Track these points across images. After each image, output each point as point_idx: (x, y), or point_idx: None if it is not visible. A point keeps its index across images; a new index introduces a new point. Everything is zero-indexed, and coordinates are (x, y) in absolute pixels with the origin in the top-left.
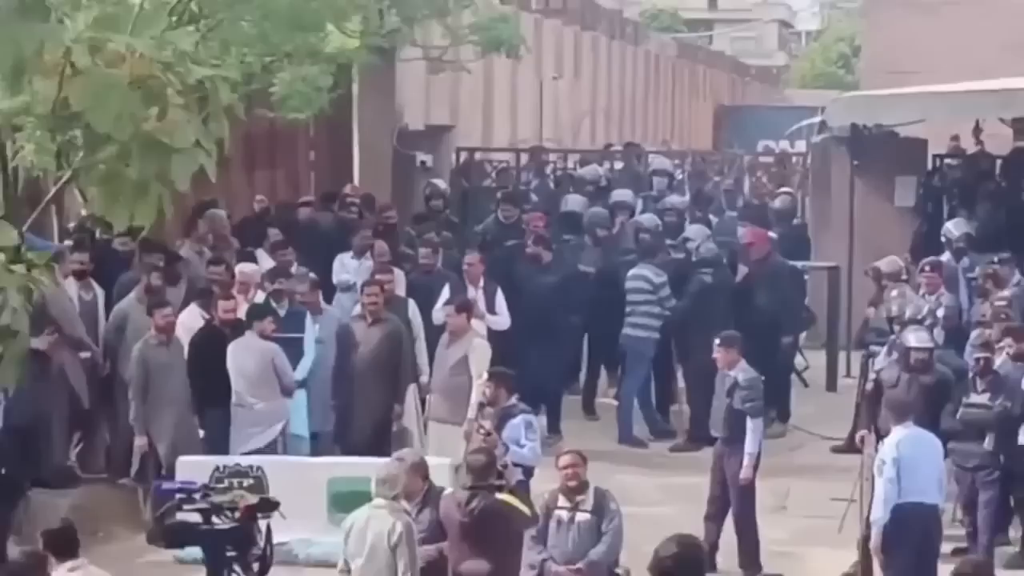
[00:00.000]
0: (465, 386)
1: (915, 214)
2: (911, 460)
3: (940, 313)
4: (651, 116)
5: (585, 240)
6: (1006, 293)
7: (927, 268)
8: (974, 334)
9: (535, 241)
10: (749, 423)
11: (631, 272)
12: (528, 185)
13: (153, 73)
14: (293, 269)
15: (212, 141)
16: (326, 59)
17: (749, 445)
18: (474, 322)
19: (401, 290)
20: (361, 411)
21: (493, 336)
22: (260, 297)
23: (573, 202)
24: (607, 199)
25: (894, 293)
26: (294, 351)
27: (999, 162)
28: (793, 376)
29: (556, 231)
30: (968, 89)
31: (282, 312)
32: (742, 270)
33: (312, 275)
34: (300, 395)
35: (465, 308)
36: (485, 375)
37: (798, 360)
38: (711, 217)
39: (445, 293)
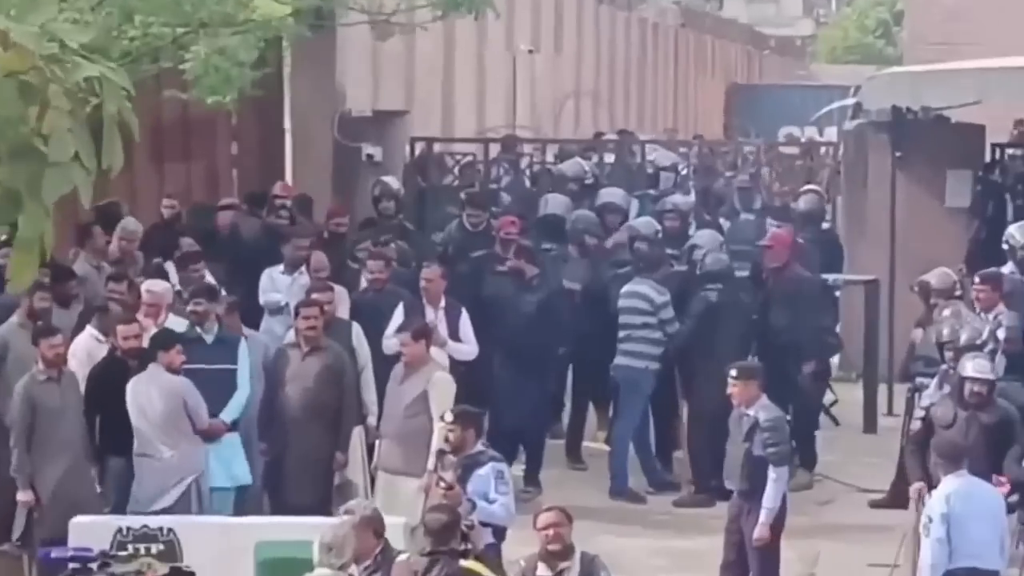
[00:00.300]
0: (423, 429)
1: (971, 216)
2: (964, 516)
3: (1000, 335)
4: (649, 98)
5: (569, 250)
6: None
7: (980, 281)
8: None
9: (516, 252)
10: (771, 472)
11: (625, 289)
12: (499, 183)
13: (35, 64)
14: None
15: (93, 157)
16: (249, 29)
17: (769, 499)
18: (434, 351)
19: (344, 312)
20: (295, 460)
21: (457, 367)
22: (175, 321)
23: (554, 203)
24: (595, 200)
25: (946, 312)
26: (226, 387)
27: None
28: (822, 414)
29: (534, 239)
30: None
31: (209, 339)
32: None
33: (226, 295)
34: (224, 441)
35: (423, 334)
36: (447, 415)
37: (827, 395)
38: (722, 221)
39: (398, 316)
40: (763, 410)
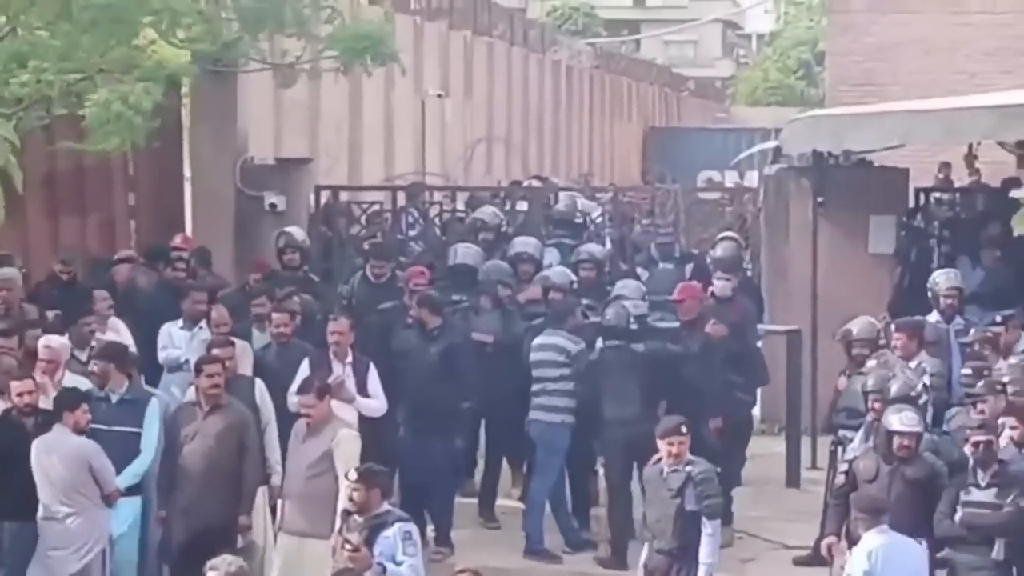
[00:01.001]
0: (328, 489)
1: (895, 263)
2: (886, 574)
3: (926, 382)
4: (563, 143)
5: (481, 302)
6: (1012, 361)
7: (897, 329)
8: (958, 412)
9: (418, 302)
10: (707, 527)
11: (537, 341)
12: (408, 232)
13: None
14: (93, 342)
15: None
16: (149, 75)
17: (707, 554)
18: (341, 407)
19: (247, 367)
20: (196, 523)
21: (365, 424)
22: (71, 379)
23: (465, 253)
24: (508, 249)
25: (873, 362)
26: (129, 450)
27: (984, 197)
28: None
29: (444, 290)
30: (959, 106)
31: (115, 398)
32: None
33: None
34: (132, 505)
35: (326, 392)
36: (352, 474)
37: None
38: (639, 270)
39: (303, 371)
40: (694, 464)
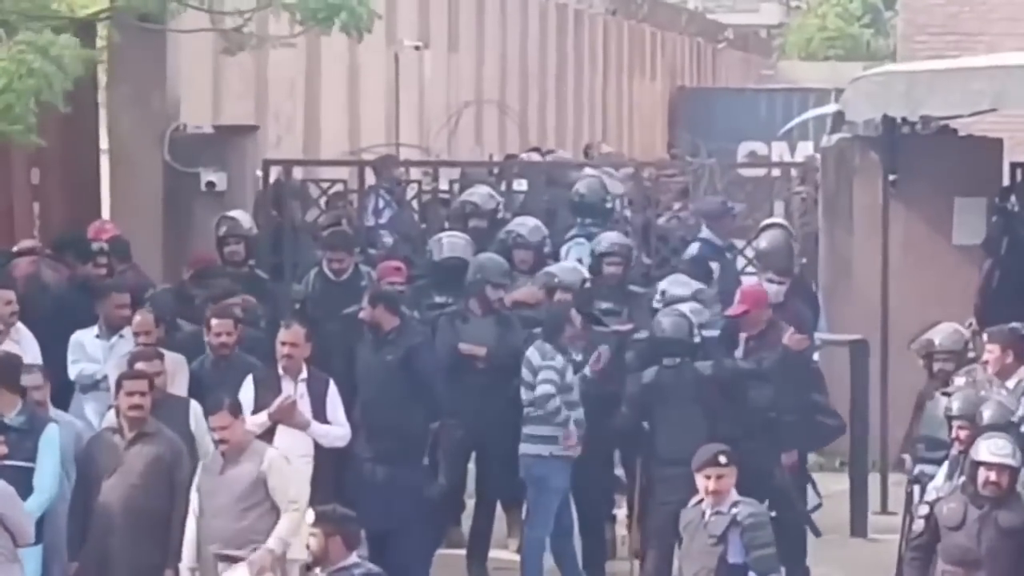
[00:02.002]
0: (269, 528)
1: (985, 255)
2: None
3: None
4: (571, 107)
5: (471, 305)
6: None
7: (990, 340)
8: None
9: (372, 299)
10: None
11: (527, 356)
12: (378, 217)
13: None
14: None
15: None
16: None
17: None
18: (291, 435)
19: (181, 386)
20: (116, 573)
21: (323, 455)
22: None
23: (453, 245)
24: (505, 239)
25: (960, 380)
26: (23, 488)
27: None
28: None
29: (424, 290)
30: None
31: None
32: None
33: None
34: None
35: (238, 410)
36: (310, 515)
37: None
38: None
39: (247, 390)
40: (742, 505)
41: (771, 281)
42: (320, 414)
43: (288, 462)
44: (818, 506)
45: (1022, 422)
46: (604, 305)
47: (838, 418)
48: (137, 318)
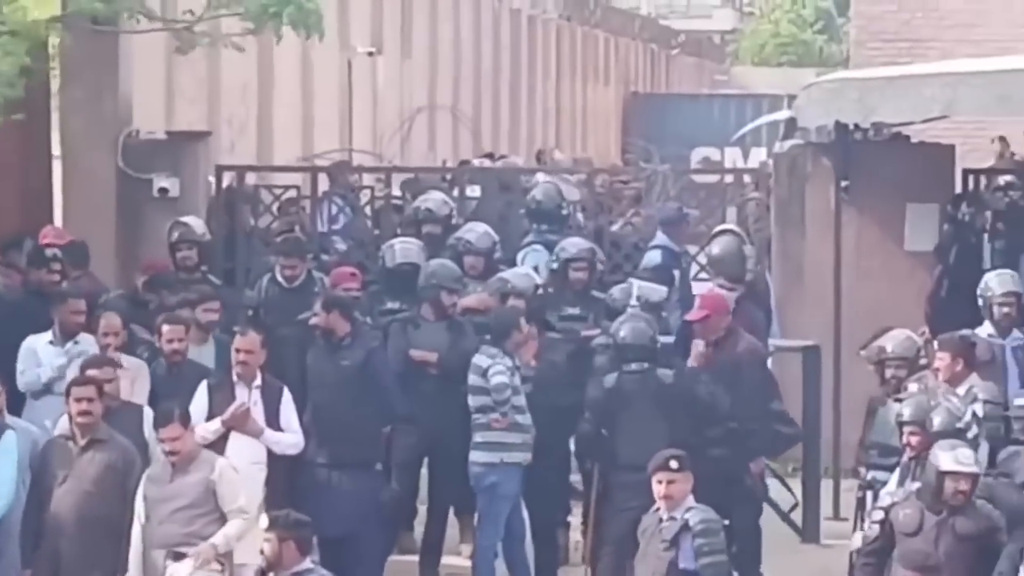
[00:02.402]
0: (210, 533)
1: (937, 263)
2: None
3: (978, 411)
4: (524, 112)
5: (423, 311)
6: None
7: (940, 348)
8: (1003, 456)
9: (326, 304)
10: None
11: (473, 361)
12: (332, 223)
13: None
14: None
15: None
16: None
17: None
18: (244, 442)
19: (142, 393)
20: None
21: (276, 461)
22: None
23: (406, 251)
24: (455, 245)
25: (912, 387)
26: None
27: None
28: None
29: (376, 296)
30: (1017, 67)
31: None
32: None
33: None
34: None
35: (188, 420)
36: (264, 520)
37: (783, 495)
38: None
39: (200, 398)
40: (694, 511)
41: (723, 287)
42: (274, 421)
43: (237, 471)
44: (795, 505)
45: (968, 428)
46: (570, 311)
47: (795, 426)
48: (103, 320)
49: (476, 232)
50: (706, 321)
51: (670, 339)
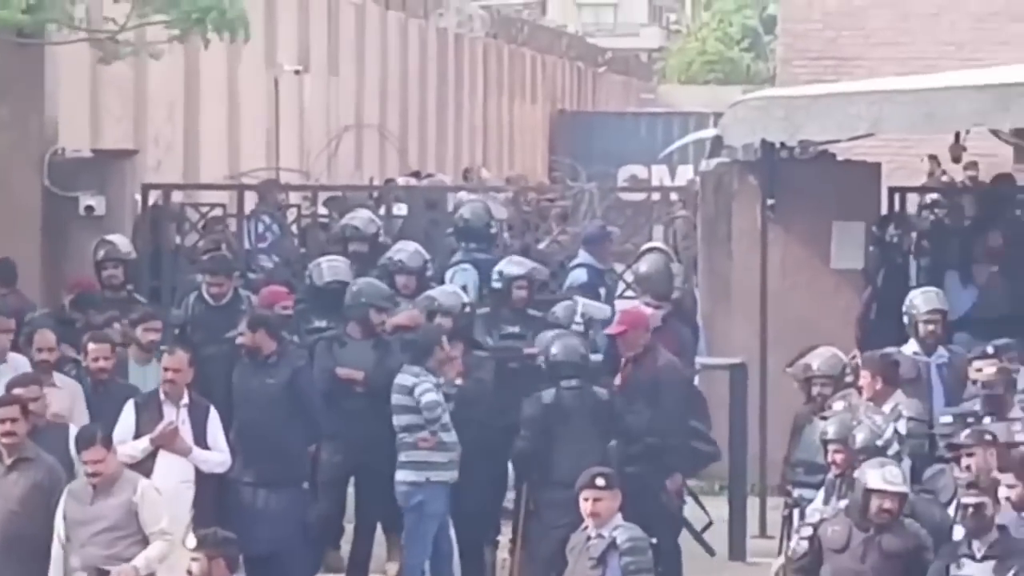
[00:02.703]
0: (132, 555)
1: (864, 281)
2: None
3: (901, 429)
4: (451, 131)
5: (349, 329)
6: (1016, 412)
7: (864, 367)
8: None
9: (252, 323)
10: None
11: (397, 380)
12: (259, 242)
13: None
14: None
15: None
16: None
17: None
18: (172, 460)
19: (80, 414)
20: None
21: (204, 480)
22: None
23: (335, 269)
24: (387, 264)
25: (837, 405)
26: None
27: (975, 198)
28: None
29: (303, 314)
30: (943, 85)
31: None
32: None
33: None
34: None
35: (110, 442)
36: (191, 540)
37: (697, 513)
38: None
39: (127, 417)
40: (622, 529)
41: (649, 305)
42: (201, 440)
43: (159, 493)
44: (709, 524)
45: (888, 446)
46: (511, 329)
47: (712, 444)
48: (37, 336)
49: (408, 251)
50: (624, 336)
51: (598, 357)
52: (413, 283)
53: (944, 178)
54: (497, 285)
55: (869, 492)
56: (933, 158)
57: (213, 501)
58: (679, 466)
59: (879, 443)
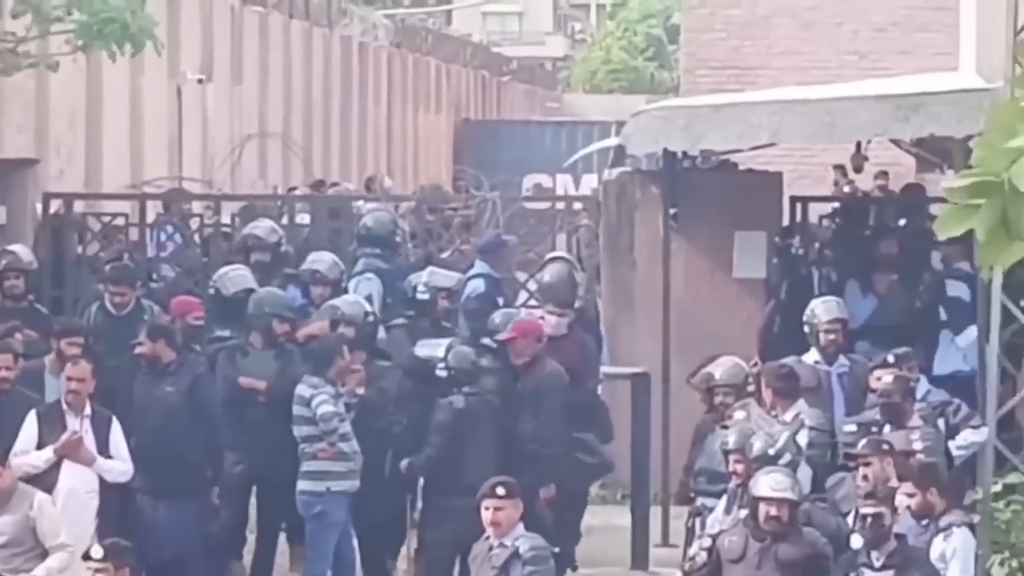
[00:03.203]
0: (30, 568)
1: (766, 291)
2: None
3: (802, 441)
4: (355, 140)
5: (251, 339)
6: (915, 420)
7: (762, 376)
8: (843, 478)
9: (151, 333)
10: None
11: (296, 391)
12: (162, 250)
13: None
14: None
15: None
16: None
17: None
18: (76, 471)
19: None
20: None
21: (106, 492)
22: None
23: (241, 278)
24: (301, 275)
25: (738, 415)
26: None
27: (878, 207)
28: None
29: (206, 324)
30: (844, 95)
31: None
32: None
33: None
34: None
35: (4, 458)
36: (96, 550)
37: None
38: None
39: (29, 427)
40: (524, 539)
41: (552, 313)
42: (104, 449)
43: (55, 506)
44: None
45: (780, 455)
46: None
47: (600, 456)
48: None
49: (325, 262)
50: (513, 343)
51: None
52: (328, 293)
53: (847, 188)
54: (424, 296)
55: (757, 500)
56: (839, 168)
57: (116, 511)
58: (554, 476)
59: (771, 452)
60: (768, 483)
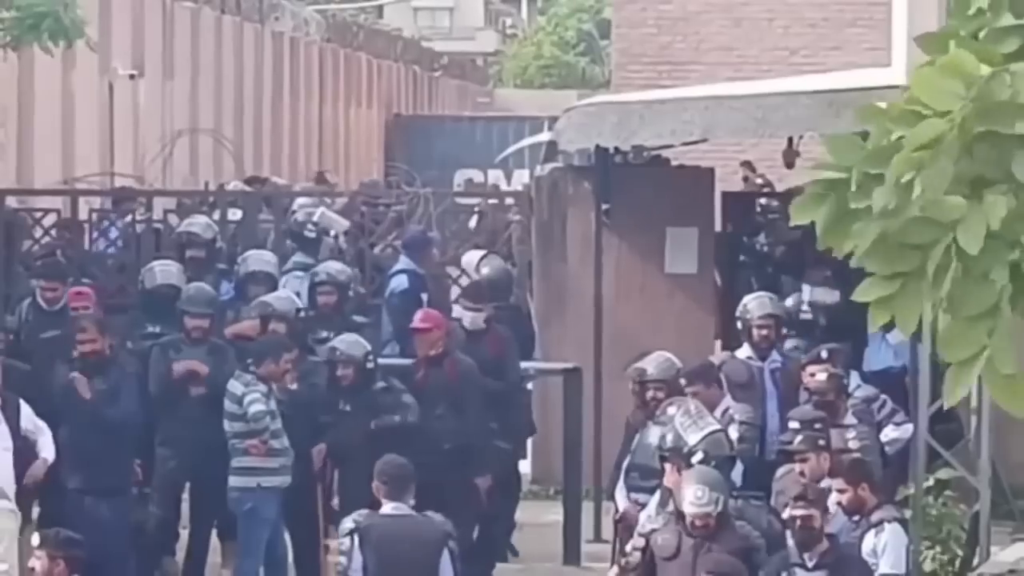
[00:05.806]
0: None
1: (698, 285)
2: None
3: (733, 435)
4: (287, 135)
5: (182, 336)
6: (850, 418)
7: (687, 373)
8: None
9: (79, 325)
10: None
11: (228, 388)
12: (93, 246)
13: None
14: None
15: None
16: None
17: None
18: None
19: None
20: None
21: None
22: None
23: (166, 273)
24: (239, 272)
25: (671, 410)
26: None
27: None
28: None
29: (136, 320)
30: (776, 90)
31: None
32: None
33: None
34: None
35: None
36: (35, 538)
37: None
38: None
39: None
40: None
41: (467, 309)
42: (16, 431)
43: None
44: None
45: (692, 453)
46: (324, 334)
47: (512, 441)
48: None
49: (266, 261)
50: (427, 334)
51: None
52: (263, 292)
53: (759, 182)
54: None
55: (681, 513)
56: (746, 164)
57: (55, 508)
58: (484, 468)
59: (685, 450)
60: (688, 498)
